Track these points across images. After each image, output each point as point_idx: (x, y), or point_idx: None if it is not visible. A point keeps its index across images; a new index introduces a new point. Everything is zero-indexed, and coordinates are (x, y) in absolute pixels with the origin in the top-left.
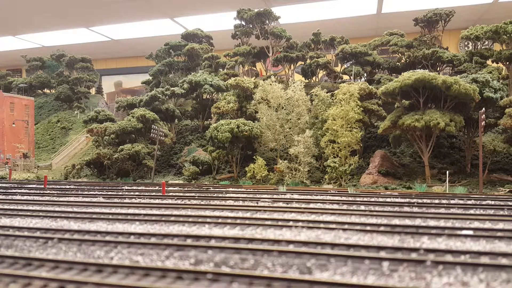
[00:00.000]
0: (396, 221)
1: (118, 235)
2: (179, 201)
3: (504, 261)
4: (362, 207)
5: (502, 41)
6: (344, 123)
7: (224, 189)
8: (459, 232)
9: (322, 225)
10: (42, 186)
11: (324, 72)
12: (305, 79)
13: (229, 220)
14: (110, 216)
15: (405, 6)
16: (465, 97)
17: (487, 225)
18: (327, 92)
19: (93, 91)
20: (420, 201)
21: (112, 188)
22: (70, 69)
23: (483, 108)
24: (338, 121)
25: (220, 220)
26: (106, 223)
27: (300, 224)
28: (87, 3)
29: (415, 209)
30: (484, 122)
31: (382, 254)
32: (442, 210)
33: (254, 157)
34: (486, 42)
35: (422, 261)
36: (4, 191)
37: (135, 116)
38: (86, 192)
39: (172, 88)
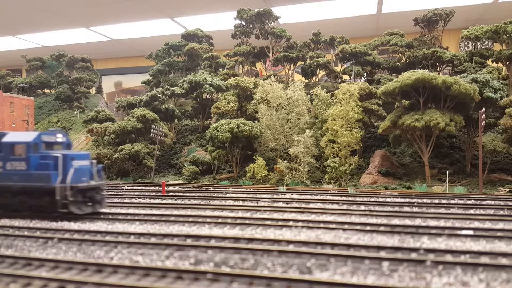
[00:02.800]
0: (396, 221)
1: (118, 235)
2: (179, 201)
3: (504, 261)
4: (362, 207)
5: (502, 41)
6: (344, 123)
7: (224, 189)
8: (459, 232)
9: (322, 225)
10: None
11: (324, 72)
12: (305, 79)
13: (229, 220)
14: (110, 216)
15: (405, 6)
16: (465, 97)
17: (487, 225)
18: (327, 92)
19: (93, 91)
20: (420, 201)
21: (112, 188)
22: (70, 69)
23: (483, 108)
24: (338, 121)
25: (220, 220)
26: (106, 223)
27: (300, 224)
28: (87, 3)
29: (415, 209)
30: (484, 122)
31: (382, 254)
32: (442, 210)
33: (254, 157)
34: (486, 42)
35: (422, 261)
36: None
37: (135, 116)
38: None
39: (172, 88)
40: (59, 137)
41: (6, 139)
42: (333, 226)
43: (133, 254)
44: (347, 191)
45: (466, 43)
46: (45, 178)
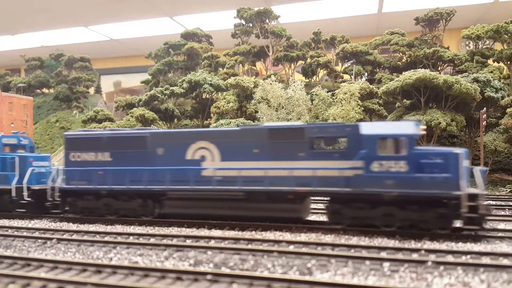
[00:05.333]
0: None
1: (117, 236)
2: None
3: (505, 261)
4: None
5: (503, 41)
6: None
7: None
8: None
9: (322, 226)
10: None
11: (324, 72)
12: (305, 79)
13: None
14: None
15: (406, 5)
16: (466, 97)
17: (488, 225)
18: (327, 92)
19: (92, 90)
20: None
21: None
22: (69, 69)
23: (484, 108)
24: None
25: (219, 221)
26: (105, 224)
27: (300, 224)
28: (86, 2)
29: None
30: (485, 121)
31: (383, 254)
32: None
33: None
34: (487, 42)
35: (423, 262)
36: None
37: (134, 115)
38: None
39: (172, 88)
40: None
41: (367, 131)
42: (334, 226)
43: (132, 255)
44: None
45: (467, 43)
46: (444, 184)
